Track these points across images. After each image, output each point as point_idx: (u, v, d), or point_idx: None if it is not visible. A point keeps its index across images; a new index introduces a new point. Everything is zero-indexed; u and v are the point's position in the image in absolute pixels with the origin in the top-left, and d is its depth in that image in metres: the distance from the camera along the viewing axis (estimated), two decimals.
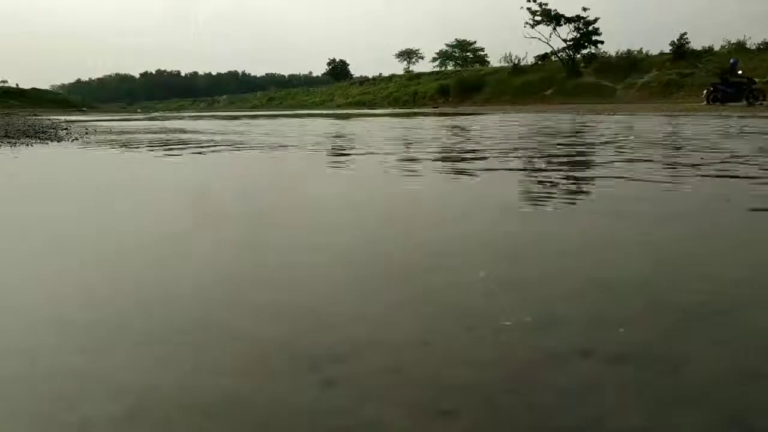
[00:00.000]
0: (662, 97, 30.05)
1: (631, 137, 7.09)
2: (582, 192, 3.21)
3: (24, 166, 5.18)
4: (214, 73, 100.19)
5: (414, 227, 2.30)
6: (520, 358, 1.08)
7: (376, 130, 10.12)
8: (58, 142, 7.69)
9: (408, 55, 58.16)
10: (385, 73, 52.97)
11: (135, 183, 3.95)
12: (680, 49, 33.25)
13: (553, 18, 37.88)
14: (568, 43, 37.95)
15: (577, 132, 8.59)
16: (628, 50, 36.63)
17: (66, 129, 10.90)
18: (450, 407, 0.91)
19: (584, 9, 37.51)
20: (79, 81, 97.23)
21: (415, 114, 21.22)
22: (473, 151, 5.48)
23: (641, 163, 4.21)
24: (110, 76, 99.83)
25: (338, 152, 5.86)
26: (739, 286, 1.48)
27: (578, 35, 37.77)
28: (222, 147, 6.56)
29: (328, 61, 62.85)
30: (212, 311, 1.34)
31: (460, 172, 4.15)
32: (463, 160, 4.88)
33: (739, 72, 18.40)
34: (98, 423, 0.89)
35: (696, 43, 33.72)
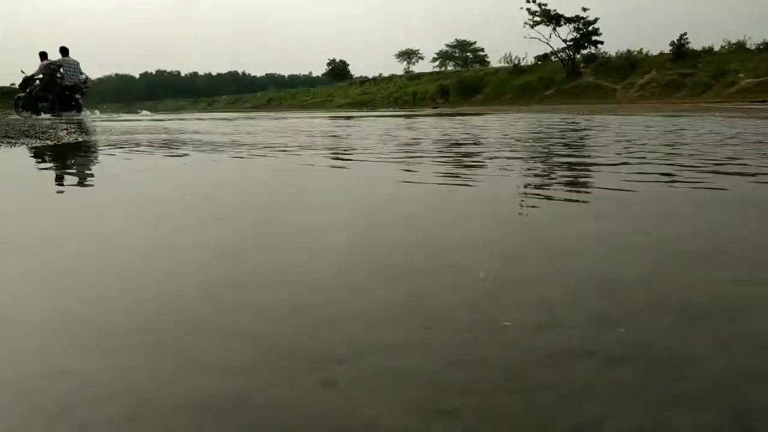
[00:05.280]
0: (662, 97, 30.03)
1: None
2: None
3: (22, 166, 5.18)
4: (214, 73, 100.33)
5: (413, 226, 2.30)
6: (520, 358, 1.08)
7: (377, 130, 10.12)
8: (58, 142, 7.69)
9: (408, 55, 58.18)
10: (385, 74, 53.07)
11: (136, 183, 3.94)
12: (680, 49, 33.28)
13: (552, 18, 37.91)
14: (567, 43, 37.97)
15: None
16: (628, 50, 36.71)
17: (66, 129, 10.90)
18: (450, 407, 0.91)
19: (584, 9, 37.56)
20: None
21: (415, 114, 21.21)
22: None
23: None
24: (110, 76, 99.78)
25: (337, 152, 5.86)
26: None
27: (578, 35, 37.79)
28: (224, 148, 6.55)
29: (328, 61, 62.93)
30: (211, 311, 1.34)
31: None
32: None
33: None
34: (97, 424, 0.89)
35: (696, 43, 33.79)
